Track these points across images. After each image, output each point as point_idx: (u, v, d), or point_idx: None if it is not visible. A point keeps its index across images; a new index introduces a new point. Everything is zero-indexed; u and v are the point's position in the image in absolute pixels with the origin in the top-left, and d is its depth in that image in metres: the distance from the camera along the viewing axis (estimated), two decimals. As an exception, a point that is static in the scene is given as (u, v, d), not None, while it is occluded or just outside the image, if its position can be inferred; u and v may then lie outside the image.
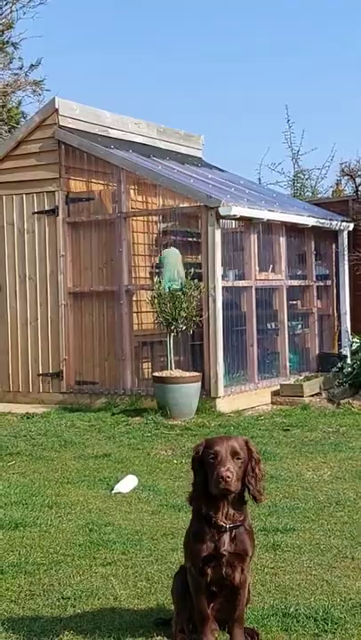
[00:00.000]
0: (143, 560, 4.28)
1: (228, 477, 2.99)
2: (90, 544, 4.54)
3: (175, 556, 4.26)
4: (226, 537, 3.09)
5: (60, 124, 10.01)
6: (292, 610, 3.51)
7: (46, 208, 10.07)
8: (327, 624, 3.39)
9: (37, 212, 10.14)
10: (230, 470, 3.00)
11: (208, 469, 3.06)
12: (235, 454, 3.06)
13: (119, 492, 5.76)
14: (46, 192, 10.08)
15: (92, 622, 3.46)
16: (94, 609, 3.62)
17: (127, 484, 5.93)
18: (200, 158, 12.34)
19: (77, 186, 10.23)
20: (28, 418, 9.01)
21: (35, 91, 17.46)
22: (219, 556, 3.09)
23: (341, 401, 9.61)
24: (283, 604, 3.60)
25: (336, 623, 3.40)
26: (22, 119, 16.74)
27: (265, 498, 3.20)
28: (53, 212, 10.03)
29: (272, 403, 9.78)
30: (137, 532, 4.77)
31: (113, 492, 5.79)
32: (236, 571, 3.11)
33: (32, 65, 18.13)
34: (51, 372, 10.06)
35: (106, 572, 4.08)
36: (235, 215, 9.16)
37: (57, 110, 10.03)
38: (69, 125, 10.12)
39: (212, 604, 3.22)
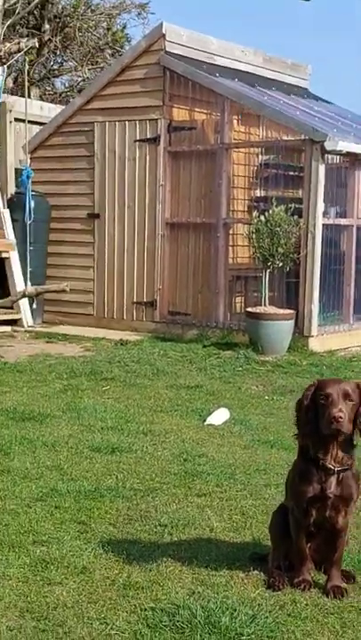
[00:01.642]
0: (237, 494, 4.31)
1: (341, 418, 2.98)
2: (184, 474, 4.61)
3: (269, 492, 4.29)
4: (333, 480, 3.09)
5: (167, 49, 9.84)
6: (388, 555, 3.49)
7: (148, 136, 10.00)
8: None
9: (139, 140, 10.07)
10: (342, 411, 2.99)
11: (319, 410, 3.05)
12: (346, 396, 3.04)
13: (211, 424, 5.81)
14: (149, 120, 9.98)
15: (190, 551, 3.52)
16: (191, 538, 3.68)
17: (219, 416, 5.97)
18: (306, 89, 11.97)
19: (180, 114, 10.08)
20: (122, 344, 9.14)
21: (140, 14, 17.24)
22: (324, 499, 3.09)
23: None
24: (379, 548, 3.58)
25: None
26: (126, 43, 16.56)
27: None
28: (155, 140, 9.94)
29: (366, 345, 9.64)
30: (230, 466, 4.81)
31: (205, 423, 5.83)
32: (339, 514, 3.12)
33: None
34: (145, 300, 10.14)
35: (201, 503, 4.14)
36: (341, 150, 8.89)
37: (164, 36, 9.85)
38: (175, 52, 9.93)
39: (309, 544, 3.24)
